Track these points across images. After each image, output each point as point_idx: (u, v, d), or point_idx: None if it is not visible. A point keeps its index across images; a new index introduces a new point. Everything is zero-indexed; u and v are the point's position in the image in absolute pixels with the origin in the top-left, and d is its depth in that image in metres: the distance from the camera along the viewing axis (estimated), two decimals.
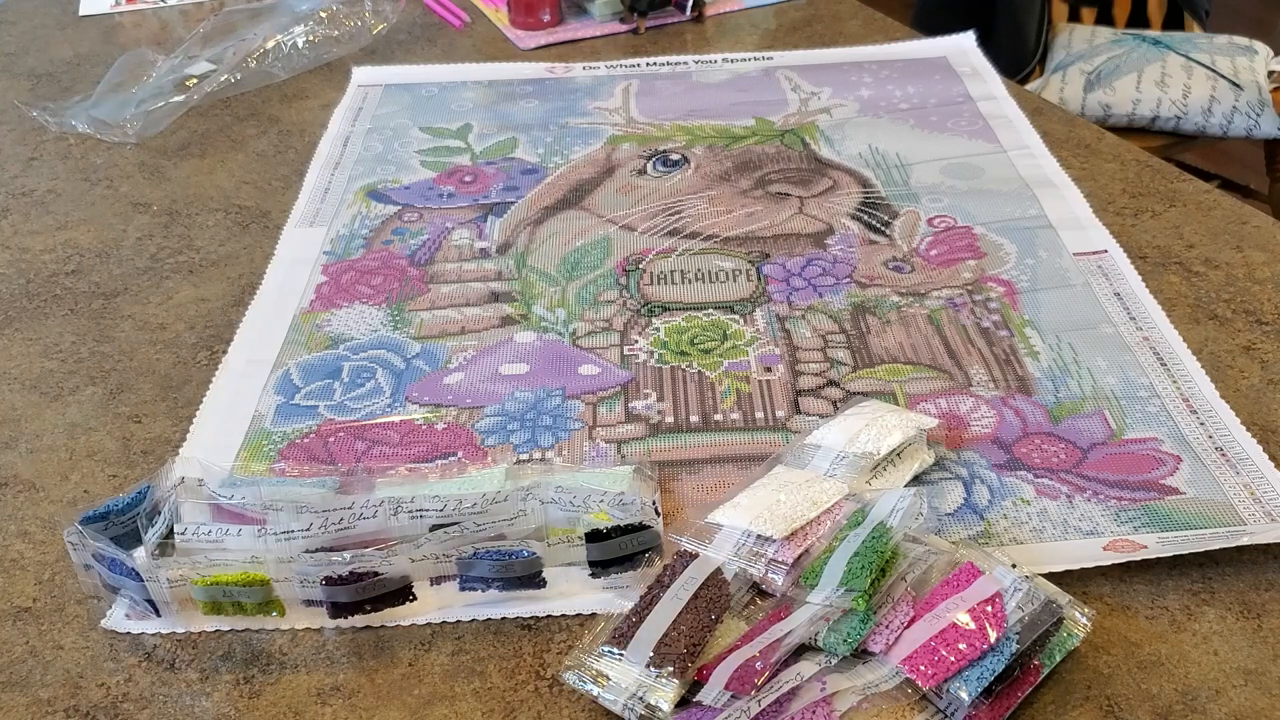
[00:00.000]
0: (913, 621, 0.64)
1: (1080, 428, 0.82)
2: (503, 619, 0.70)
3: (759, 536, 0.69)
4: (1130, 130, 1.88)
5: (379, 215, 1.12)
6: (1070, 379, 0.87)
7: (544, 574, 0.70)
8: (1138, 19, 2.14)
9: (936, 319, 0.94)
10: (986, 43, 1.41)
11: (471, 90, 1.36)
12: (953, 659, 0.61)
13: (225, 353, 0.93)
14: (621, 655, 0.63)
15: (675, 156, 1.20)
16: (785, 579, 0.67)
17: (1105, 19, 2.15)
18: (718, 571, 0.68)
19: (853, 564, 0.65)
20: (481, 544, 0.70)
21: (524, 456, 0.82)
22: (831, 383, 0.88)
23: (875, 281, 0.99)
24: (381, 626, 0.70)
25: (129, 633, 0.70)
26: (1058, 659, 0.64)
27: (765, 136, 1.23)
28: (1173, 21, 2.14)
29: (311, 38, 1.44)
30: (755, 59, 1.41)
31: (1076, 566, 0.70)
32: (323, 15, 1.46)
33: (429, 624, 0.70)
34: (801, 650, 0.64)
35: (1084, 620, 0.65)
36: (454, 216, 1.11)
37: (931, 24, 1.58)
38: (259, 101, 1.35)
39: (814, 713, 0.61)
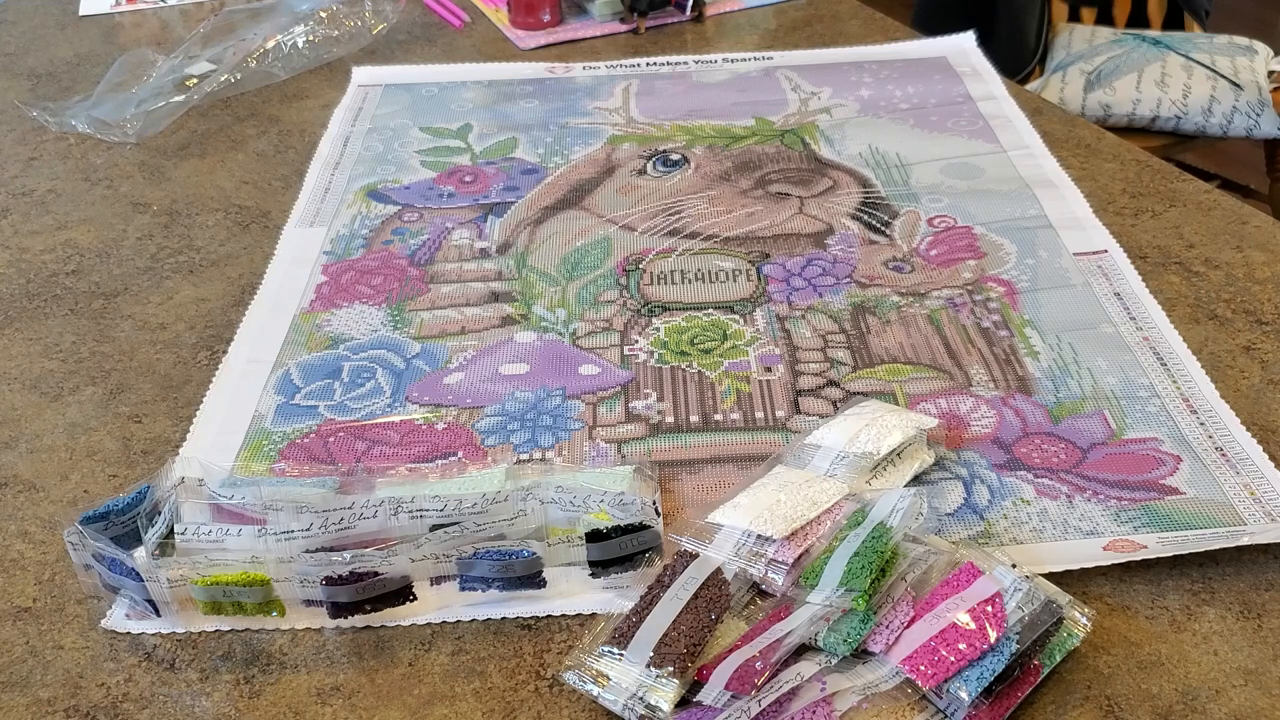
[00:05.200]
0: (913, 621, 0.64)
1: (1080, 428, 0.82)
2: (503, 619, 0.70)
3: (759, 536, 0.69)
4: (1130, 130, 1.88)
5: (379, 215, 1.12)
6: (1070, 379, 0.87)
7: (544, 574, 0.70)
8: (1138, 19, 2.14)
9: (936, 319, 0.94)
10: (986, 43, 1.41)
11: (471, 90, 1.36)
12: (953, 659, 0.61)
13: (225, 353, 0.93)
14: (621, 655, 0.63)
15: (675, 156, 1.20)
16: (785, 579, 0.67)
17: (1105, 19, 2.16)
18: (718, 571, 0.68)
19: (853, 564, 0.65)
20: (481, 544, 0.70)
21: (524, 456, 0.82)
22: (831, 383, 0.88)
23: (875, 281, 0.99)
24: (381, 626, 0.70)
25: (129, 633, 0.70)
26: (1058, 659, 0.64)
27: (765, 136, 1.23)
28: (1173, 21, 2.14)
29: (311, 38, 1.44)
30: (755, 59, 1.41)
31: (1076, 566, 0.70)
32: (323, 15, 1.46)
33: (429, 624, 0.70)
34: (801, 650, 0.64)
35: (1084, 620, 0.65)
36: (454, 216, 1.11)
37: (931, 24, 1.58)
38: (259, 101, 1.35)
39: (814, 713, 0.61)
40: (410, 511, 0.72)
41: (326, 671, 0.67)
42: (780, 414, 0.85)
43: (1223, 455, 0.79)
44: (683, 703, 0.62)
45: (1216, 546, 0.71)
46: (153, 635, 0.70)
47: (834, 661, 0.63)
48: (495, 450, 0.82)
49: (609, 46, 1.47)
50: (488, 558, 0.69)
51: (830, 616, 0.64)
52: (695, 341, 0.93)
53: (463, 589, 0.70)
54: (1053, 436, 0.82)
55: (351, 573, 0.68)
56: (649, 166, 1.18)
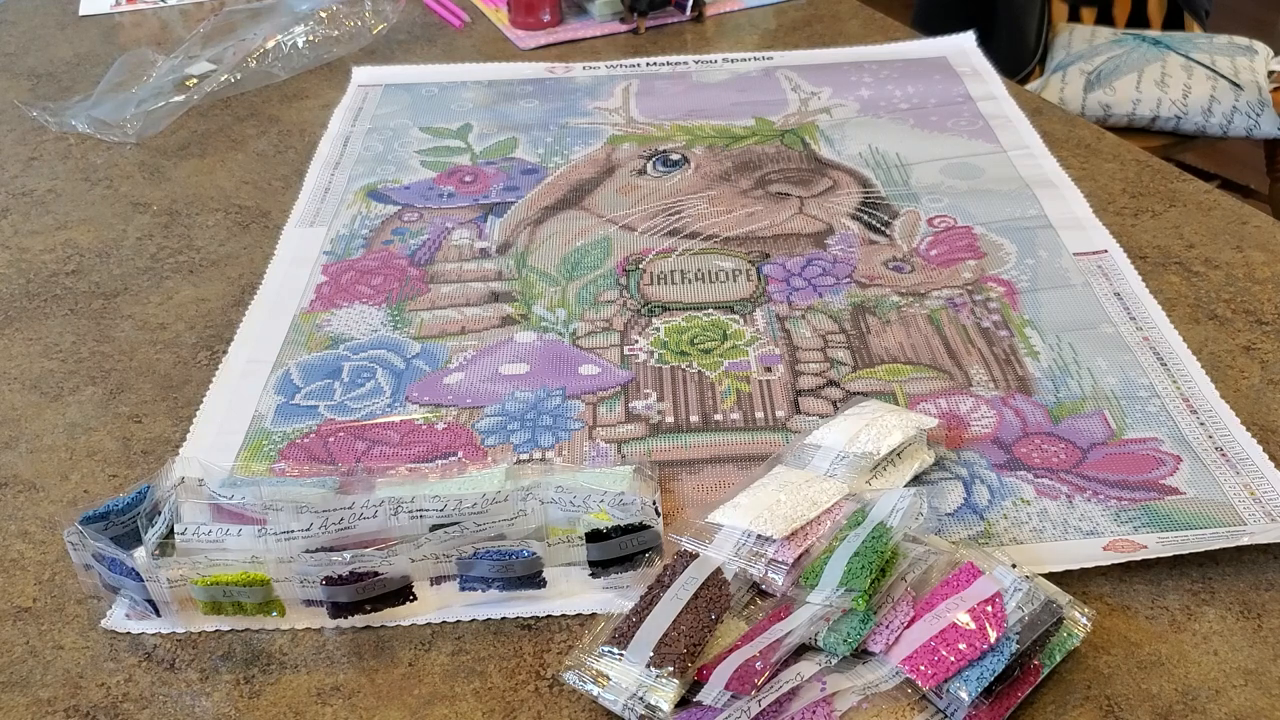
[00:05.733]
0: (913, 621, 0.64)
1: (1080, 428, 0.82)
2: (503, 619, 0.70)
3: (759, 536, 0.69)
4: (1130, 130, 1.88)
5: (379, 215, 1.12)
6: (1070, 379, 0.87)
7: (544, 574, 0.70)
8: (1138, 19, 2.14)
9: (936, 319, 0.94)
10: (986, 43, 1.41)
11: (471, 90, 1.36)
12: (953, 659, 0.61)
13: (225, 353, 0.93)
14: (621, 655, 0.63)
15: (675, 156, 1.20)
16: (785, 579, 0.67)
17: (1105, 19, 2.16)
18: (718, 571, 0.68)
19: (853, 564, 0.65)
20: (481, 544, 0.70)
21: (524, 456, 0.82)
22: (831, 383, 0.88)
23: (875, 281, 0.99)
24: (381, 626, 0.70)
25: (129, 633, 0.70)
26: (1058, 659, 0.64)
27: (765, 136, 1.23)
28: (1173, 21, 2.14)
29: (311, 38, 1.44)
30: (755, 59, 1.41)
31: (1076, 566, 0.70)
32: (323, 15, 1.46)
33: (429, 624, 0.70)
34: (801, 650, 0.64)
35: (1084, 620, 0.65)
36: (454, 216, 1.11)
37: (931, 24, 1.58)
38: (259, 101, 1.35)
39: (814, 713, 0.61)
40: (410, 511, 0.72)
41: (326, 671, 0.67)
42: (780, 414, 0.85)
43: (1223, 455, 0.79)
44: (683, 703, 0.62)
45: (1216, 546, 0.71)
46: (153, 635, 0.70)
47: (834, 661, 0.63)
48: (495, 450, 0.82)
49: (609, 46, 1.47)
50: (488, 558, 0.69)
51: (830, 616, 0.64)
52: (695, 341, 0.93)
53: (463, 589, 0.70)
54: (1053, 436, 0.82)
55: (351, 573, 0.68)
56: (649, 166, 1.18)
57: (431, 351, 0.93)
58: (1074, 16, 2.16)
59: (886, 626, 0.64)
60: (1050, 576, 0.68)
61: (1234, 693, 0.64)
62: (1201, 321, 0.93)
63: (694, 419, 0.85)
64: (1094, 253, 1.01)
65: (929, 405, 0.85)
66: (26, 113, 1.32)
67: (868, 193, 1.12)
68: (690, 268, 1.02)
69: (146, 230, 1.11)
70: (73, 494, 0.81)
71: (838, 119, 1.26)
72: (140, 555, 0.69)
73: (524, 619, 0.70)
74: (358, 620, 0.69)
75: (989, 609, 0.63)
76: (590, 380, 0.89)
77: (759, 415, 0.85)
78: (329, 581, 0.68)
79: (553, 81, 1.38)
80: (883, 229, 1.06)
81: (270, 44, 1.41)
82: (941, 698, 0.62)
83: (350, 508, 0.72)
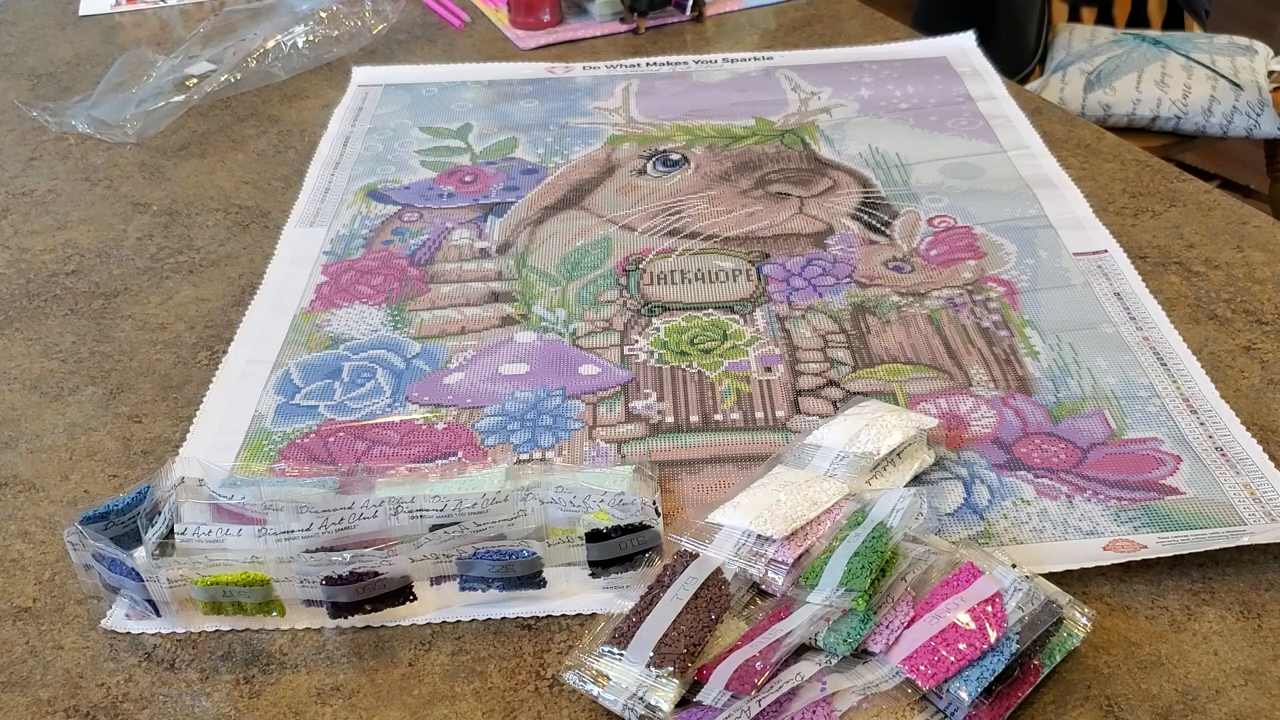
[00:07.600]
0: (913, 621, 0.64)
1: (1080, 428, 0.82)
2: (503, 619, 0.70)
3: (759, 536, 0.69)
4: (1130, 130, 1.88)
5: (379, 215, 1.12)
6: (1070, 379, 0.87)
7: (544, 574, 0.70)
8: (1138, 19, 2.14)
9: (936, 319, 0.94)
10: (986, 43, 1.41)
11: (471, 90, 1.36)
12: (953, 659, 0.61)
13: (225, 353, 0.93)
14: (621, 655, 0.63)
15: (675, 156, 1.20)
16: (785, 579, 0.67)
17: (1105, 19, 2.16)
18: (718, 571, 0.68)
19: (853, 564, 0.65)
20: (481, 544, 0.70)
21: (524, 456, 0.82)
22: (831, 383, 0.88)
23: (875, 281, 0.99)
24: (381, 626, 0.70)
25: (129, 633, 0.70)
26: (1058, 659, 0.64)
27: (765, 136, 1.23)
28: (1173, 21, 2.14)
29: (311, 38, 1.44)
30: (755, 59, 1.41)
31: (1076, 566, 0.70)
32: (323, 15, 1.46)
33: (429, 624, 0.70)
34: (801, 650, 0.64)
35: (1084, 620, 0.65)
36: (454, 216, 1.11)
37: (931, 24, 1.58)
38: (259, 101, 1.35)
39: (814, 713, 0.61)
40: (410, 511, 0.72)
41: (326, 671, 0.67)
42: (780, 414, 0.85)
43: (1223, 455, 0.79)
44: (683, 703, 0.62)
45: (1216, 546, 0.71)
46: (153, 635, 0.70)
47: (834, 661, 0.63)
48: (495, 450, 0.82)
49: (609, 46, 1.47)
50: (488, 558, 0.69)
51: (830, 616, 0.64)
52: (695, 341, 0.93)
53: (463, 589, 0.70)
54: (1053, 436, 0.82)
55: (351, 573, 0.68)
56: (649, 166, 1.18)
57: (431, 351, 0.93)
58: (1074, 16, 2.16)
59: (886, 626, 0.64)
60: (1050, 576, 0.68)
61: (1234, 693, 0.64)
62: (1201, 321, 0.93)
63: (694, 419, 0.85)
64: (1094, 253, 1.01)
65: (929, 405, 0.85)
66: (26, 113, 1.32)
67: (868, 193, 1.12)
68: (690, 268, 1.02)
69: (146, 230, 1.11)
70: (73, 494, 0.81)
71: (838, 119, 1.26)
72: (140, 555, 0.69)
73: (524, 619, 0.70)
74: (358, 620, 0.69)
75: (989, 609, 0.63)
76: (590, 380, 0.89)
77: (759, 415, 0.85)
78: (329, 581, 0.68)
79: (553, 81, 1.38)
80: (883, 229, 1.06)
81: (270, 44, 1.41)
82: (941, 698, 0.62)
83: (350, 508, 0.72)
